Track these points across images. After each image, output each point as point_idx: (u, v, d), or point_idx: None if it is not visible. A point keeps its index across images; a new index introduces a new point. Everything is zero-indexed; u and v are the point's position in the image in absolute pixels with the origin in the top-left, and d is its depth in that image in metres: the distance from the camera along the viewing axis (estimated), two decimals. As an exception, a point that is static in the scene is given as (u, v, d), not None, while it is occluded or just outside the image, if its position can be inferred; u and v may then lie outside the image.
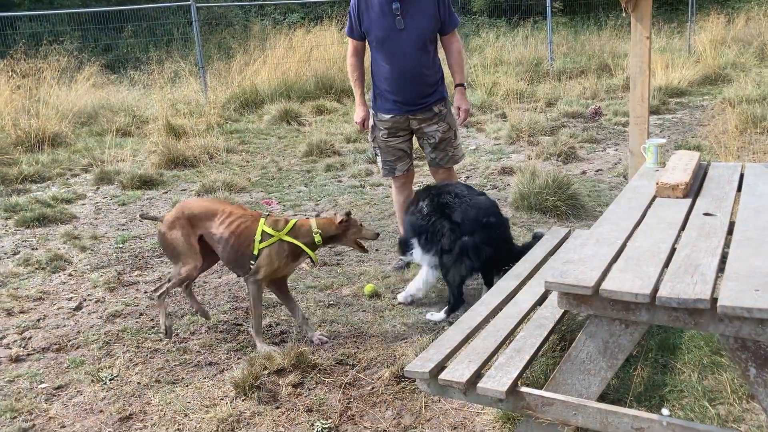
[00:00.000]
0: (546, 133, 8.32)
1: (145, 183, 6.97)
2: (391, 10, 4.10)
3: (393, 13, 4.11)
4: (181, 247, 3.44)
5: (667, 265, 2.20)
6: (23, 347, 3.67)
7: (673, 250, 2.32)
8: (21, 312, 4.13)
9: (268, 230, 3.41)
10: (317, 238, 3.44)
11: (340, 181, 6.93)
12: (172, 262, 3.56)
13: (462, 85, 4.40)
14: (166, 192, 6.78)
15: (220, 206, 3.54)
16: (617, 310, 2.09)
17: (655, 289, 2.00)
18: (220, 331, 3.75)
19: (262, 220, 3.44)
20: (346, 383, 3.15)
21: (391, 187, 4.74)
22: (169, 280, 3.57)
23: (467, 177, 6.80)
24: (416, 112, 4.31)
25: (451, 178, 4.54)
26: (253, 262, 3.41)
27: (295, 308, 3.61)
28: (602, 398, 2.35)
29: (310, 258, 3.49)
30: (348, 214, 3.52)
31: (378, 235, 3.72)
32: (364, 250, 3.68)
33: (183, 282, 3.54)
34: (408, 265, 4.53)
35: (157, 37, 15.61)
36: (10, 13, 14.76)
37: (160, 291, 3.59)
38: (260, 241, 3.39)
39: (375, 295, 4.11)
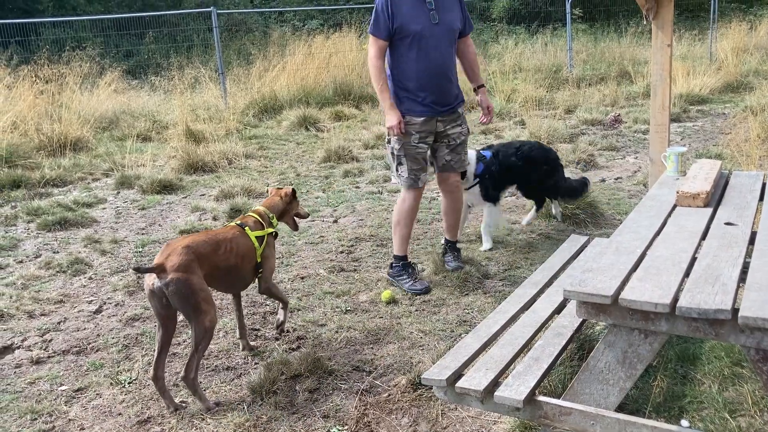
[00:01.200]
0: (565, 141, 8.29)
1: (165, 188, 7.04)
2: (425, 3, 4.05)
3: (427, 7, 4.06)
4: (204, 293, 2.99)
5: (687, 274, 2.18)
6: (44, 349, 3.72)
7: (693, 260, 2.30)
8: (42, 314, 4.19)
9: (257, 233, 3.41)
10: (274, 221, 3.59)
11: (358, 187, 6.94)
12: (192, 317, 2.97)
13: (483, 85, 4.44)
14: (186, 197, 6.83)
15: (213, 236, 3.24)
16: (636, 320, 2.08)
17: (675, 299, 1.98)
18: (238, 336, 3.76)
19: (247, 230, 3.37)
20: (363, 390, 3.16)
21: (403, 200, 4.34)
22: (196, 347, 3.00)
23: (485, 184, 6.79)
24: (445, 113, 4.21)
25: (458, 186, 4.51)
26: (260, 270, 3.42)
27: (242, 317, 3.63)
28: (621, 408, 2.32)
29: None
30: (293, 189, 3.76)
31: (309, 214, 4.06)
32: (296, 227, 3.87)
33: (211, 336, 3.06)
34: (423, 270, 4.53)
35: (177, 43, 15.78)
36: (34, 20, 15.01)
37: (191, 370, 3.01)
38: (258, 247, 3.39)
39: (392, 301, 4.11)
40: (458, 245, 4.71)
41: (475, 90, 4.46)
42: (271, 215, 3.57)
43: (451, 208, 4.54)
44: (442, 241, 4.78)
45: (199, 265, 3.03)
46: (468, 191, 4.92)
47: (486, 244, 4.98)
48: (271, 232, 3.51)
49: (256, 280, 3.48)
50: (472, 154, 4.87)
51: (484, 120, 4.47)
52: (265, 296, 3.66)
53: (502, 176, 5.03)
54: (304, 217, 3.89)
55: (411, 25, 4.02)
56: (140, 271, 3.03)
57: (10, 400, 3.19)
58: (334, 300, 4.21)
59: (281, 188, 3.75)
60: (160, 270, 2.92)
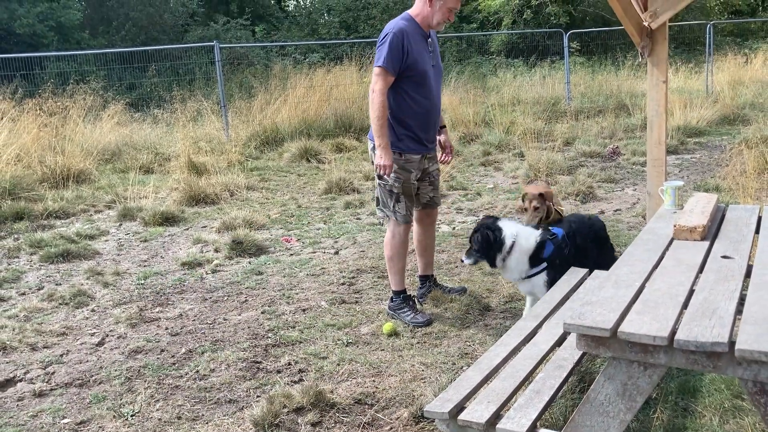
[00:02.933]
0: (564, 173, 8.37)
1: (167, 219, 7.08)
2: (427, 45, 4.17)
3: (428, 49, 4.18)
4: None
5: (685, 307, 2.21)
6: (46, 382, 3.73)
7: (691, 293, 2.33)
8: (45, 347, 4.20)
9: None
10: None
11: (359, 219, 6.99)
12: None
13: (445, 126, 4.58)
14: (188, 228, 6.88)
15: None
16: (635, 353, 2.11)
17: (673, 332, 2.01)
18: (240, 369, 3.78)
19: None
20: (365, 423, 3.16)
21: (393, 235, 4.33)
22: None
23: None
24: (431, 150, 4.36)
25: (436, 219, 4.65)
26: None
27: None
28: (622, 441, 2.34)
29: None
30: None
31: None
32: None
33: None
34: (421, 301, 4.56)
35: (180, 77, 15.98)
36: (38, 54, 15.21)
37: None
38: None
39: (394, 333, 4.13)
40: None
41: (437, 130, 4.54)
42: None
43: (431, 241, 4.65)
44: (420, 284, 4.71)
45: None
46: (524, 281, 3.95)
47: None
48: None
49: None
50: (531, 234, 3.94)
51: (447, 159, 4.59)
52: None
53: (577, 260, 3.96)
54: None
55: (420, 65, 4.09)
56: None
57: (12, 434, 3.20)
58: (336, 332, 4.22)
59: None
60: None
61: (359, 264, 5.49)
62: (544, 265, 3.87)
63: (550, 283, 3.78)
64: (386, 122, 4.05)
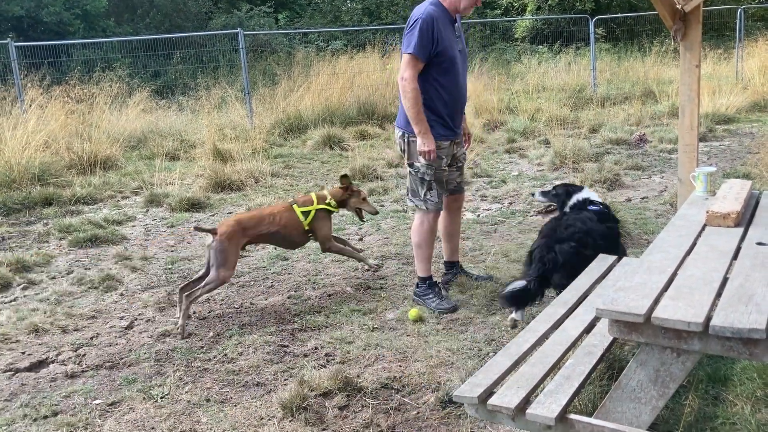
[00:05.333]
0: (590, 160, 8.28)
1: (193, 206, 7.14)
2: (454, 30, 4.12)
3: (455, 34, 4.12)
4: (232, 256, 4.23)
5: (719, 294, 2.18)
6: (78, 364, 3.79)
7: (725, 280, 2.30)
8: (75, 330, 4.26)
9: (303, 209, 4.54)
10: (332, 203, 4.68)
11: (383, 206, 6.98)
12: (215, 267, 4.18)
13: (464, 112, 4.52)
14: (213, 215, 6.93)
15: (259, 212, 4.58)
16: (669, 339, 2.08)
17: (708, 318, 1.99)
18: (267, 353, 3.81)
19: (294, 206, 4.55)
20: (392, 407, 3.17)
21: (422, 222, 4.32)
22: (205, 285, 4.18)
23: (510, 203, 6.80)
24: (458, 136, 4.34)
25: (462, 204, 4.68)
26: (311, 235, 4.61)
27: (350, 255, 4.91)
28: (652, 428, 2.32)
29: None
30: (346, 178, 4.76)
31: (377, 212, 5.08)
32: (361, 218, 5.01)
33: (216, 286, 4.23)
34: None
35: (204, 64, 16.04)
36: (65, 41, 15.36)
37: (193, 297, 4.17)
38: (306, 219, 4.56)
39: (419, 319, 4.13)
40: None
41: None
42: (329, 199, 4.66)
43: (457, 227, 4.66)
44: (444, 268, 4.77)
45: (243, 234, 4.31)
46: None
47: None
48: (321, 208, 4.60)
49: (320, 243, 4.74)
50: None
51: (466, 146, 4.55)
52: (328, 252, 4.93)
53: None
54: (370, 213, 4.92)
55: (449, 51, 4.04)
56: (199, 229, 4.48)
57: (46, 413, 3.26)
58: (362, 317, 4.23)
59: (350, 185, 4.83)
60: (213, 232, 4.25)
61: (384, 250, 5.50)
62: None
63: None
64: (422, 108, 4.00)
